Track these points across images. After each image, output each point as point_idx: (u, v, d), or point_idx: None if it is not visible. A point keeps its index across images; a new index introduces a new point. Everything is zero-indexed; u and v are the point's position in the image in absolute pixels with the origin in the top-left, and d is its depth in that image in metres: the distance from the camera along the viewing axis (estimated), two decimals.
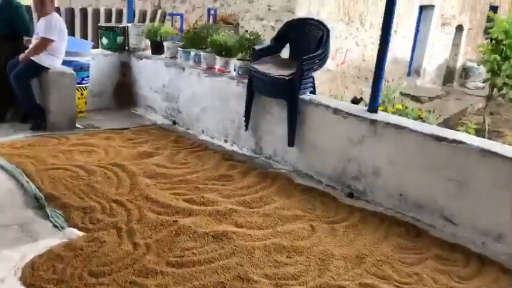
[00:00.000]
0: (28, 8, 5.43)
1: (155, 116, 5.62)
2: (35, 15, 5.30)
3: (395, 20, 9.95)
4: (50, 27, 4.58)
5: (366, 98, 10.01)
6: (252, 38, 4.62)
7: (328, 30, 4.13)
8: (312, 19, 4.35)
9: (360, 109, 3.89)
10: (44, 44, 4.59)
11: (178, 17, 8.64)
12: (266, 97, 4.29)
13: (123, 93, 5.88)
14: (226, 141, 4.83)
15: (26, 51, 4.63)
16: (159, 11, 8.16)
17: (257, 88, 4.30)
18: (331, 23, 8.44)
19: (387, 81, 10.69)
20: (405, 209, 3.52)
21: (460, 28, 13.36)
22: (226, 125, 4.80)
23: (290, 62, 4.32)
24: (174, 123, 5.39)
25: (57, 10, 6.92)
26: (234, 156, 4.39)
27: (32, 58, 4.59)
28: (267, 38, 7.99)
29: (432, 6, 11.59)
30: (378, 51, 3.77)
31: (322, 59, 4.11)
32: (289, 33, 4.44)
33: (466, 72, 14.16)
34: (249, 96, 4.40)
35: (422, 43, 12.06)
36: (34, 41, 4.67)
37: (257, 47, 4.38)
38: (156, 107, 5.65)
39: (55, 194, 3.23)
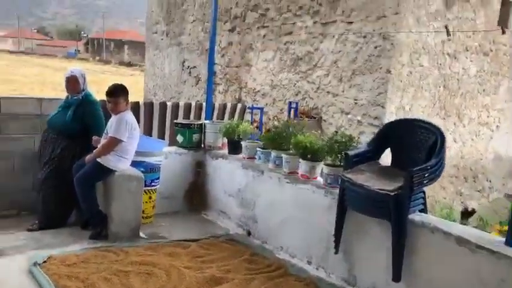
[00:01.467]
0: (104, 104, 5.23)
1: (228, 223, 4.95)
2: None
3: (496, 114, 8.88)
4: (121, 126, 4.22)
5: (465, 200, 8.81)
6: (344, 140, 3.92)
7: (443, 136, 3.32)
8: (422, 120, 3.59)
9: (495, 241, 2.92)
10: (113, 144, 4.21)
11: (258, 110, 8.30)
12: (363, 215, 3.47)
13: (196, 195, 5.34)
14: (309, 263, 3.98)
15: (94, 151, 4.27)
16: (239, 105, 7.86)
17: (351, 203, 3.51)
18: (426, 118, 7.63)
19: (489, 181, 9.43)
20: None
21: None
22: (311, 243, 3.98)
23: (393, 172, 3.51)
24: (249, 233, 4.67)
25: (137, 105, 6.80)
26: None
27: (98, 159, 4.20)
28: (352, 132, 7.36)
29: None
30: None
31: (436, 171, 3.27)
32: (392, 136, 3.69)
33: None
34: (341, 212, 3.61)
35: None
36: (103, 140, 4.32)
37: (351, 153, 3.65)
38: (230, 213, 5.00)
39: None
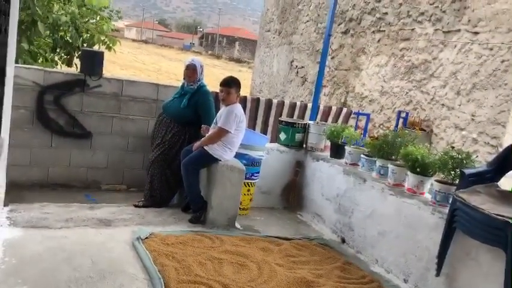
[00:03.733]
0: (215, 95, 5.40)
1: (322, 228, 4.86)
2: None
3: None
4: (230, 118, 4.32)
5: None
6: (460, 157, 3.63)
7: None
8: None
9: None
10: (220, 134, 4.33)
11: (364, 116, 8.07)
12: (474, 239, 3.18)
13: (292, 194, 5.31)
14: (406, 281, 3.76)
15: (202, 139, 4.42)
16: (344, 109, 7.68)
17: (461, 225, 3.23)
18: None
19: None
20: None
21: None
22: (410, 261, 3.75)
23: None
24: (343, 241, 4.54)
25: (244, 99, 6.94)
26: None
27: (205, 147, 4.35)
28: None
29: None
30: None
31: None
32: None
33: None
34: (448, 233, 3.34)
35: None
36: (212, 129, 4.46)
37: (468, 171, 3.37)
38: (325, 217, 4.90)
39: None
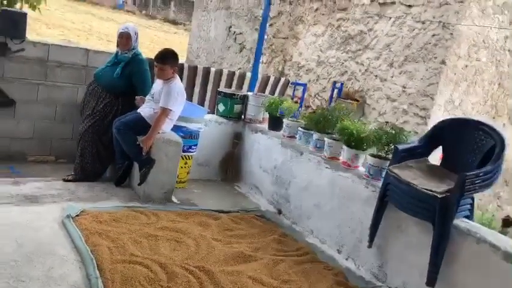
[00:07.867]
0: (151, 62, 5.16)
1: (259, 199, 4.89)
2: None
3: None
4: (171, 97, 4.16)
5: (503, 204, 8.47)
6: (393, 132, 3.73)
7: (503, 144, 3.10)
8: (483, 123, 3.35)
9: None
10: (165, 114, 4.16)
11: (301, 86, 8.12)
12: (404, 213, 3.31)
13: (230, 166, 5.28)
14: (339, 251, 3.89)
15: (150, 132, 4.14)
16: (282, 79, 7.66)
17: (393, 199, 3.36)
18: (474, 115, 7.29)
19: None
20: None
21: None
22: (344, 232, 3.87)
23: (443, 172, 3.34)
24: (280, 212, 4.60)
25: (181, 67, 6.71)
26: (348, 280, 3.41)
27: (141, 114, 4.18)
28: (394, 121, 7.10)
29: None
30: None
31: (490, 178, 3.07)
32: (446, 135, 3.48)
33: None
34: (380, 206, 3.47)
35: None
36: (147, 102, 4.27)
37: (401, 147, 3.47)
38: (262, 189, 4.93)
39: None
